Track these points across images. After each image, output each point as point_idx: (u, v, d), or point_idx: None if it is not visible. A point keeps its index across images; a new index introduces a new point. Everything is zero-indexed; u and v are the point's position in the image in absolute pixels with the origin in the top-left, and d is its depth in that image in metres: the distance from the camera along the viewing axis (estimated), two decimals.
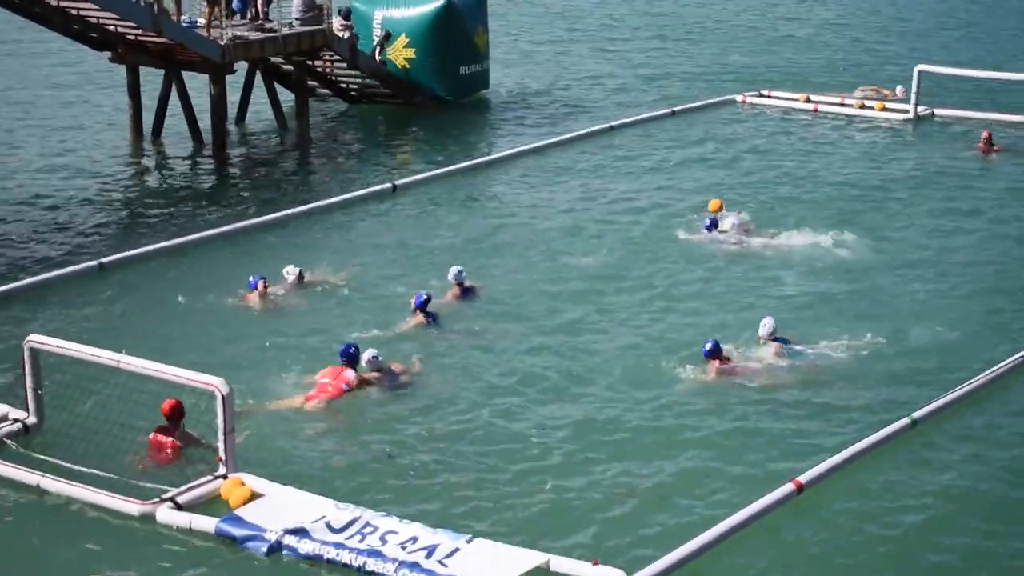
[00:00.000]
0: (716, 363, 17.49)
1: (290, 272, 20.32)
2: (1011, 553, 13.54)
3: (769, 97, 34.50)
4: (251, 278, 19.92)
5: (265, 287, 19.75)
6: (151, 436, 14.98)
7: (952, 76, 33.59)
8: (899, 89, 33.78)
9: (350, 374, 16.74)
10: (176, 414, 14.97)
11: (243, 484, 14.05)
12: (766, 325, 18.18)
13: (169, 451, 14.88)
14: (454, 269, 20.10)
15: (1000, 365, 17.43)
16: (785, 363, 17.68)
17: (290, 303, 19.87)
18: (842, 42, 43.78)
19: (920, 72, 32.10)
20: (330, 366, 16.93)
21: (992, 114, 32.15)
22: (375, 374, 17.02)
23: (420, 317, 18.88)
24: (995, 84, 33.82)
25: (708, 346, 17.59)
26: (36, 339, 15.31)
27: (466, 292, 19.92)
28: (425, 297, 19.02)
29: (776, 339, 18.09)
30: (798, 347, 18.09)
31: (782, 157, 29.13)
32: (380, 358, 17.18)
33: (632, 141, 30.53)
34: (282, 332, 18.81)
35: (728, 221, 23.44)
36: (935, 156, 29.02)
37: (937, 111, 32.47)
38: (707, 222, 23.29)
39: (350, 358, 16.88)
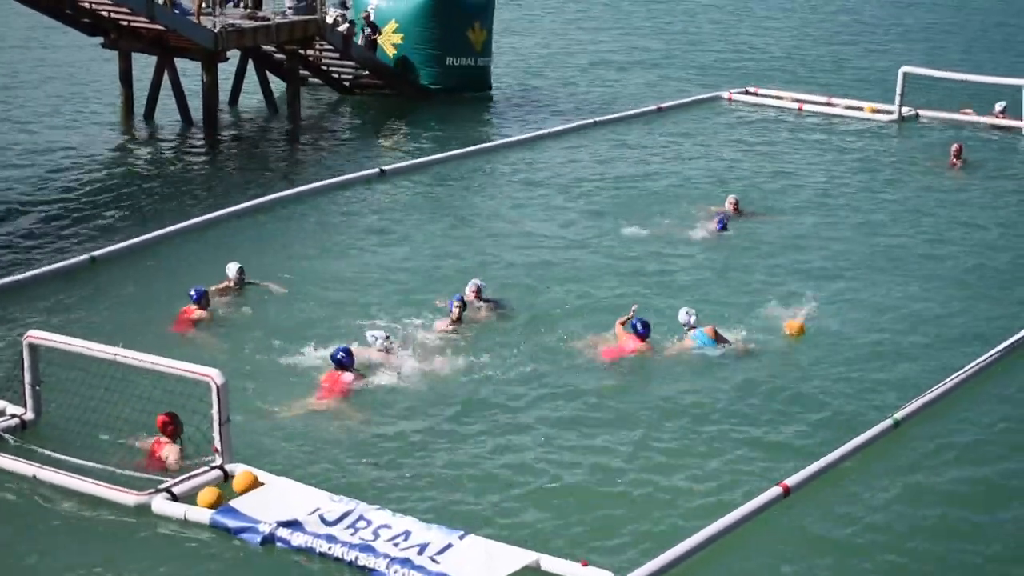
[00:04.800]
0: (637, 341, 17.85)
1: (231, 269, 19.85)
2: (995, 554, 13.65)
3: (756, 95, 34.82)
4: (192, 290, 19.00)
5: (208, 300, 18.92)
6: (152, 442, 15.01)
7: (936, 78, 33.83)
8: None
9: (348, 377, 16.84)
10: (166, 429, 14.94)
11: (254, 478, 14.18)
12: (687, 314, 18.33)
13: (157, 460, 14.86)
14: (474, 283, 19.70)
15: (979, 360, 17.59)
16: (700, 354, 17.88)
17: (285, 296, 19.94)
18: (832, 42, 44.17)
19: (905, 73, 32.48)
20: (328, 371, 16.99)
21: (983, 117, 32.33)
22: (386, 353, 17.31)
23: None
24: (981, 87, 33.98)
25: (639, 327, 17.89)
26: (35, 335, 15.30)
27: (487, 303, 19.66)
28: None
29: (692, 328, 18.22)
30: (715, 342, 18.14)
31: (762, 156, 29.39)
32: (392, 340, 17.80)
33: (617, 136, 30.82)
34: (278, 325, 18.91)
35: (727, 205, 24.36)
36: (911, 161, 29.15)
37: (922, 112, 32.79)
38: (719, 218, 23.59)
39: (340, 363, 16.91)
